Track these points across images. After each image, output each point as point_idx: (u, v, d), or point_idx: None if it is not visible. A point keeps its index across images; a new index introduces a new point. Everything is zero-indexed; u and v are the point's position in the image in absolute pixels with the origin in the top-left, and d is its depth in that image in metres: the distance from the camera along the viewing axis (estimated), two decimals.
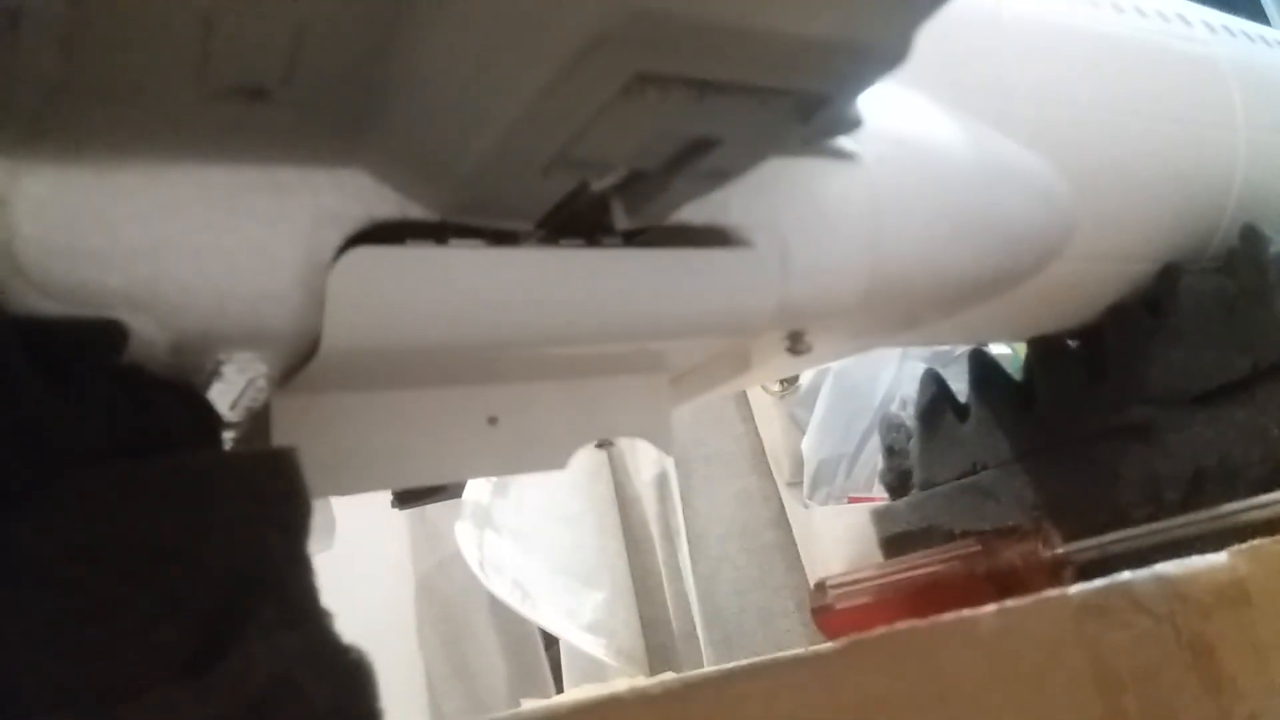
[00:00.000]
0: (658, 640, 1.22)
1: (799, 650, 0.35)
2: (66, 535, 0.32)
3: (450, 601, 1.31)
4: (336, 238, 0.40)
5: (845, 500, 1.09)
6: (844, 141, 0.49)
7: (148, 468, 0.34)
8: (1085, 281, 0.66)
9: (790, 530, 1.14)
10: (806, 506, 1.12)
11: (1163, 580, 0.44)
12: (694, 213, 0.46)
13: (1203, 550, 0.46)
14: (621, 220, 0.44)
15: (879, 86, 0.36)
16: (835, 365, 1.10)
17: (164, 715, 0.29)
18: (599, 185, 0.41)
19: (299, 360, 0.43)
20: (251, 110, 0.36)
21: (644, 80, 0.32)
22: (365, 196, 0.40)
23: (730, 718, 0.33)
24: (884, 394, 1.09)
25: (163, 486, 0.34)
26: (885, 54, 0.33)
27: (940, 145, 0.54)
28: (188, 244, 0.37)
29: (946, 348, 1.03)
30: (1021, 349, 0.83)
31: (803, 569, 1.11)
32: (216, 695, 0.30)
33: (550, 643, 1.29)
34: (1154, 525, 0.62)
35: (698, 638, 1.17)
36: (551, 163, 0.37)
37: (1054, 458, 0.70)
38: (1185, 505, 0.62)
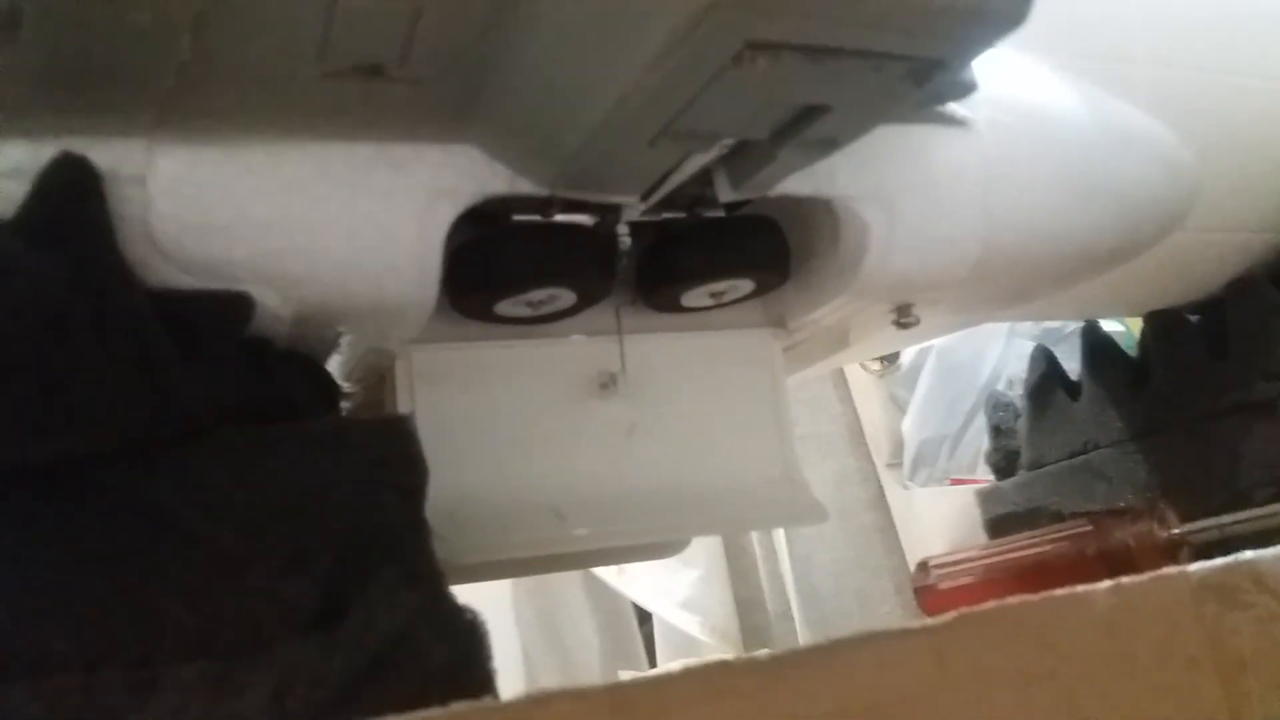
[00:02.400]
0: (752, 620, 1.22)
1: (909, 623, 0.34)
2: (200, 495, 0.33)
3: (546, 576, 1.32)
4: (450, 213, 0.41)
5: (947, 482, 1.06)
6: (956, 108, 0.48)
7: (273, 432, 0.36)
8: (1207, 253, 0.64)
9: (889, 512, 1.12)
10: (906, 488, 1.10)
11: None
12: (799, 184, 0.46)
13: None
14: (726, 192, 0.44)
15: (994, 51, 0.35)
16: (938, 344, 1.08)
17: (292, 667, 0.31)
18: (705, 157, 0.41)
19: (412, 331, 0.45)
20: (369, 88, 0.37)
21: (754, 48, 0.31)
22: (477, 172, 0.41)
23: (837, 688, 0.33)
24: (990, 373, 1.06)
25: (287, 449, 0.36)
26: (1004, 16, 0.32)
27: (1057, 111, 0.53)
28: (309, 219, 0.39)
29: (1055, 325, 1.00)
30: (1135, 327, 0.80)
31: (902, 552, 1.09)
32: (340, 649, 0.32)
33: (644, 619, 1.29)
34: (1277, 506, 0.60)
35: (792, 618, 1.16)
36: (658, 135, 0.37)
37: (1171, 436, 0.68)
38: None
